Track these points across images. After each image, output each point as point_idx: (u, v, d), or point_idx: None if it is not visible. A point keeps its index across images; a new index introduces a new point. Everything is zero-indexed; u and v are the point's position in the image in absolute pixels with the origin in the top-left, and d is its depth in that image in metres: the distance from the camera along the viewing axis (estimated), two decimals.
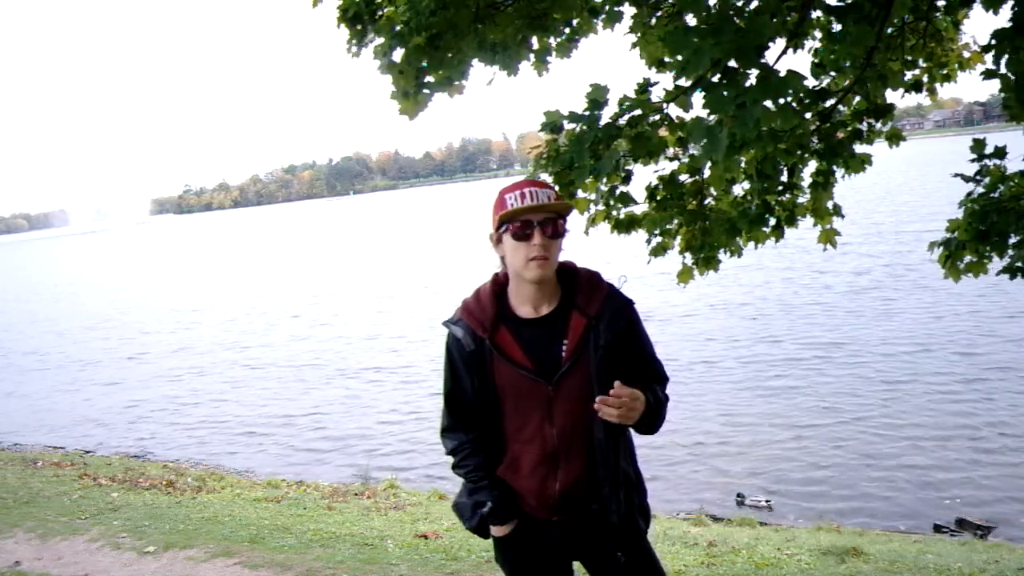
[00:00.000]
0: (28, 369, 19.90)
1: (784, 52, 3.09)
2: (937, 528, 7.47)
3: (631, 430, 2.28)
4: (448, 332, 2.25)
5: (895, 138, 4.34)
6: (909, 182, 45.58)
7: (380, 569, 4.73)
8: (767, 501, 8.46)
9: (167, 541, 5.47)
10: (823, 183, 4.02)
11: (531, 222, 2.08)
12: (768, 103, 2.23)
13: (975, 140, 3.72)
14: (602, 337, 2.11)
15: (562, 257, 2.25)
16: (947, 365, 12.13)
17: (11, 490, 7.76)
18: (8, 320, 30.26)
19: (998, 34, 2.99)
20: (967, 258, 3.87)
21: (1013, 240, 3.68)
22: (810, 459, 9.34)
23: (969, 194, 3.84)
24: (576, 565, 2.38)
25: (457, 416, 2.28)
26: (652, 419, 2.12)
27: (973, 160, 3.75)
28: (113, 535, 5.71)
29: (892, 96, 4.03)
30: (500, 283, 2.24)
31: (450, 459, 2.33)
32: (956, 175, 3.89)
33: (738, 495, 8.58)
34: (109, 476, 8.85)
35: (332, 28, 3.23)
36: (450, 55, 2.94)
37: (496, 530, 2.27)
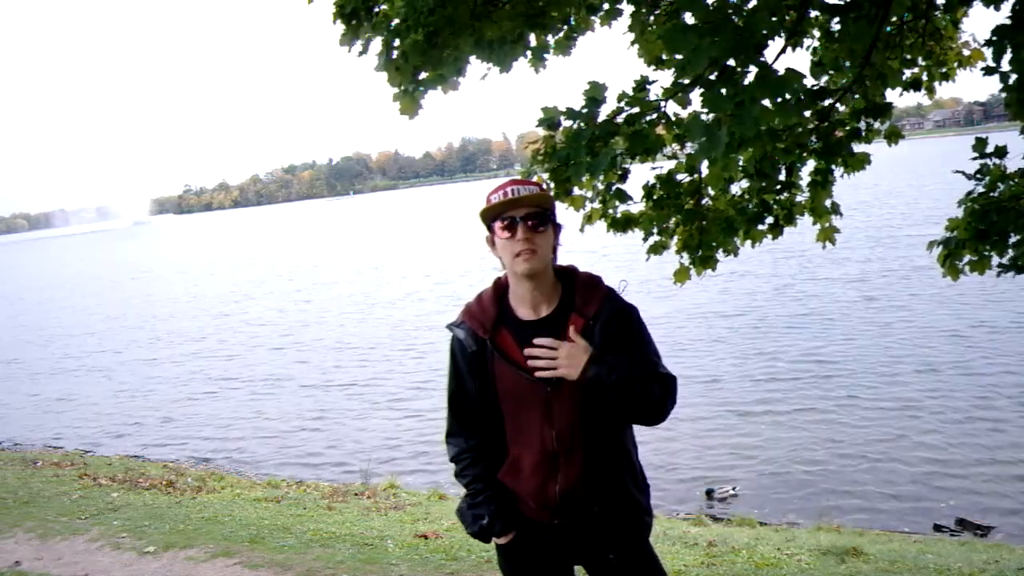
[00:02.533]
0: (26, 370, 19.90)
1: (783, 51, 3.07)
2: (937, 528, 7.46)
3: (632, 429, 2.27)
4: (451, 334, 2.26)
5: (894, 136, 4.32)
6: (907, 183, 45.53)
7: (380, 569, 4.73)
8: (733, 489, 8.52)
9: (167, 541, 5.47)
10: (822, 182, 4.01)
11: (514, 217, 2.10)
12: (766, 101, 2.23)
13: (977, 139, 3.71)
14: (596, 338, 2.10)
15: (566, 260, 2.24)
16: (946, 366, 12.12)
17: (11, 490, 7.75)
18: (9, 321, 30.26)
19: (998, 31, 2.97)
20: (966, 257, 3.86)
21: (1013, 239, 3.68)
22: (810, 460, 9.33)
23: (969, 193, 3.83)
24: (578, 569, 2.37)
25: (460, 419, 2.27)
26: (628, 388, 2.04)
27: (974, 159, 3.74)
28: (113, 535, 5.71)
29: (891, 95, 4.03)
30: (502, 286, 2.25)
31: (453, 465, 2.33)
32: (958, 172, 3.88)
33: (707, 491, 8.61)
34: (109, 476, 8.85)
35: (331, 26, 3.23)
36: (447, 52, 2.93)
37: (496, 538, 2.27)
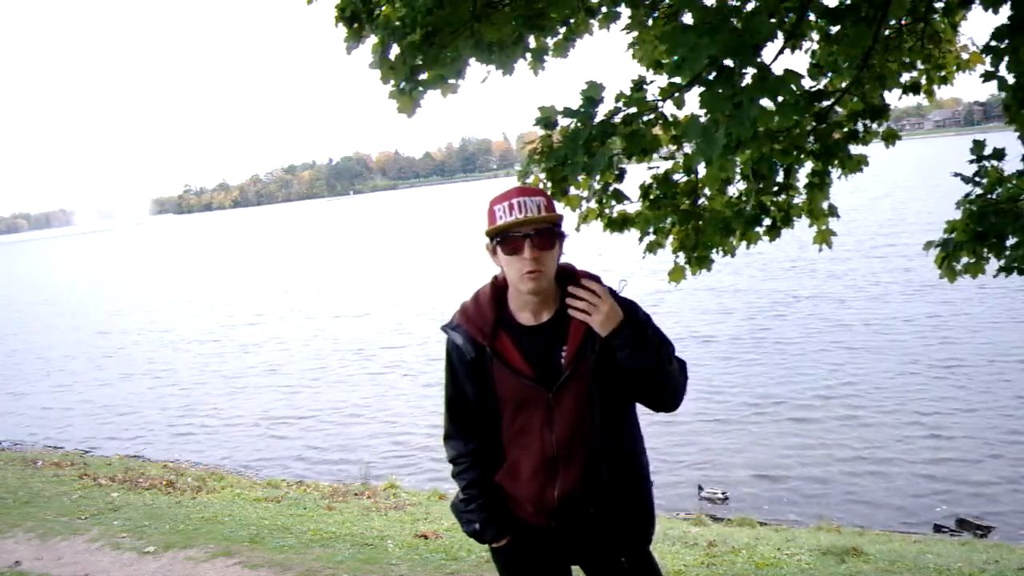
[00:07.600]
0: (28, 370, 19.89)
1: (781, 52, 3.08)
2: (937, 528, 7.47)
3: (639, 430, 2.25)
4: (447, 338, 2.20)
5: (891, 138, 4.33)
6: (907, 184, 45.50)
7: (380, 569, 4.73)
8: (723, 494, 8.57)
9: (167, 541, 5.47)
10: (819, 184, 4.01)
11: (521, 235, 2.03)
12: (764, 102, 2.23)
13: (975, 142, 3.71)
14: (599, 342, 2.06)
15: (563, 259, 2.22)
16: (946, 367, 12.13)
17: (11, 490, 7.76)
18: (10, 320, 30.26)
19: (997, 33, 2.98)
20: (964, 259, 3.86)
21: (1011, 241, 3.68)
22: (810, 460, 9.33)
23: (967, 195, 3.83)
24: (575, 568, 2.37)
25: (458, 422, 2.24)
26: (658, 357, 2.06)
27: (972, 161, 3.74)
28: (113, 535, 5.71)
29: (890, 97, 4.04)
30: (500, 287, 2.19)
31: (451, 466, 2.31)
32: (956, 175, 3.88)
33: (699, 486, 8.71)
34: (109, 476, 8.86)
35: (331, 27, 3.24)
36: (446, 53, 2.93)
37: (489, 543, 2.27)
